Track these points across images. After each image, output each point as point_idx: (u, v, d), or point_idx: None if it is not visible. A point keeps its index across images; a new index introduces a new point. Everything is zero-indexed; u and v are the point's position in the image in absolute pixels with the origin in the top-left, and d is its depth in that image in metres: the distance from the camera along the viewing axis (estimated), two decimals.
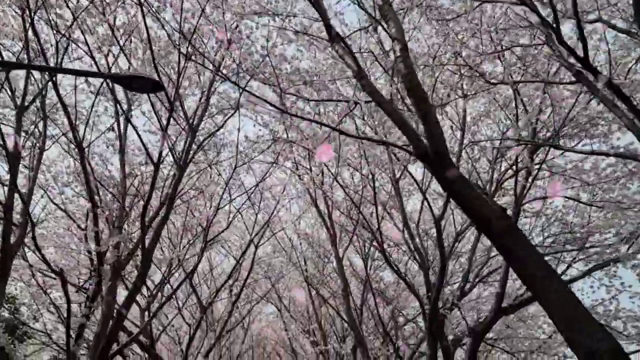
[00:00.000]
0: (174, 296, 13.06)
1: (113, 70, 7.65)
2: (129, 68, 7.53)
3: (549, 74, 6.69)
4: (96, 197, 6.18)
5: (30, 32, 6.26)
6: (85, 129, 6.30)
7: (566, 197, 8.83)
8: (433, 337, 8.88)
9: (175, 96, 6.28)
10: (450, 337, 9.86)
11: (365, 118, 7.09)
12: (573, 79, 5.01)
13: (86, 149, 5.82)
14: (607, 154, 5.89)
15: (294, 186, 12.58)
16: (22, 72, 7.77)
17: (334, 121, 7.96)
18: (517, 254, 3.61)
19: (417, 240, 9.64)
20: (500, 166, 9.14)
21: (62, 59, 7.44)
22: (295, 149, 9.96)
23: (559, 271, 9.49)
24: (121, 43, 6.65)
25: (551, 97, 7.30)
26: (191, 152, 6.94)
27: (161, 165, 10.11)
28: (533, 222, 10.07)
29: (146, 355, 13.30)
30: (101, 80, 8.18)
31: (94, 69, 7.09)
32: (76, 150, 7.78)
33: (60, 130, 7.40)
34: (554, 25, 4.42)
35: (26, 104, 7.23)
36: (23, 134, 8.04)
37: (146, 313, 11.26)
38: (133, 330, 11.05)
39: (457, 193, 3.90)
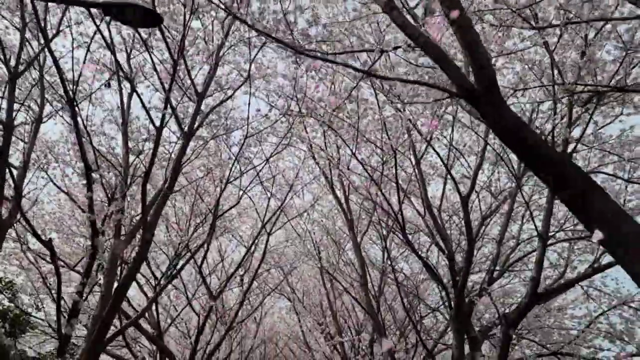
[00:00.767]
0: (182, 285, 12.53)
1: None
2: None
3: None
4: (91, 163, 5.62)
5: None
6: (75, 85, 5.72)
7: (605, 173, 8.09)
8: (459, 327, 8.21)
9: (179, 54, 5.68)
10: (477, 328, 9.17)
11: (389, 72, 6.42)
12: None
13: (77, 107, 5.23)
14: None
15: (308, 170, 11.96)
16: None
17: (347, 89, 7.33)
18: (594, 205, 2.94)
19: (440, 223, 8.98)
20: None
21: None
22: (309, 130, 9.34)
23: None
24: None
25: (591, 60, 6.59)
26: (198, 120, 6.34)
27: (167, 145, 9.59)
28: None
29: (154, 347, 12.78)
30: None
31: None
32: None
33: (52, 86, 6.81)
34: None
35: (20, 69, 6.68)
36: (18, 106, 7.52)
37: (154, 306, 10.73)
38: (140, 322, 10.52)
39: (513, 136, 3.24)
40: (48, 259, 9.66)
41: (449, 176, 10.24)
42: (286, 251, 14.11)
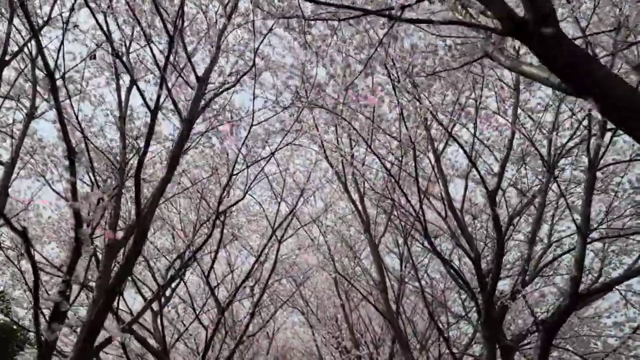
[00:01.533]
0: (189, 297, 11.89)
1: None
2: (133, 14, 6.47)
3: None
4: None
5: None
6: (58, 56, 5.18)
7: None
8: (489, 335, 7.44)
9: (176, 32, 5.13)
10: (509, 336, 8.37)
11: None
12: None
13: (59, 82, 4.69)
14: None
15: (320, 174, 11.35)
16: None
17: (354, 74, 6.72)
18: None
19: (463, 224, 8.29)
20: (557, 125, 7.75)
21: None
22: (319, 124, 8.75)
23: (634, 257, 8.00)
24: None
25: None
26: (199, 106, 5.77)
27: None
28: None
29: None
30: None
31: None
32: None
33: (30, 59, 6.27)
34: None
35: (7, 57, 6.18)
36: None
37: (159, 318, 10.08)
38: (144, 335, 9.86)
39: (576, 73, 2.60)
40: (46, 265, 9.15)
41: (470, 174, 9.59)
42: (298, 260, 13.43)
